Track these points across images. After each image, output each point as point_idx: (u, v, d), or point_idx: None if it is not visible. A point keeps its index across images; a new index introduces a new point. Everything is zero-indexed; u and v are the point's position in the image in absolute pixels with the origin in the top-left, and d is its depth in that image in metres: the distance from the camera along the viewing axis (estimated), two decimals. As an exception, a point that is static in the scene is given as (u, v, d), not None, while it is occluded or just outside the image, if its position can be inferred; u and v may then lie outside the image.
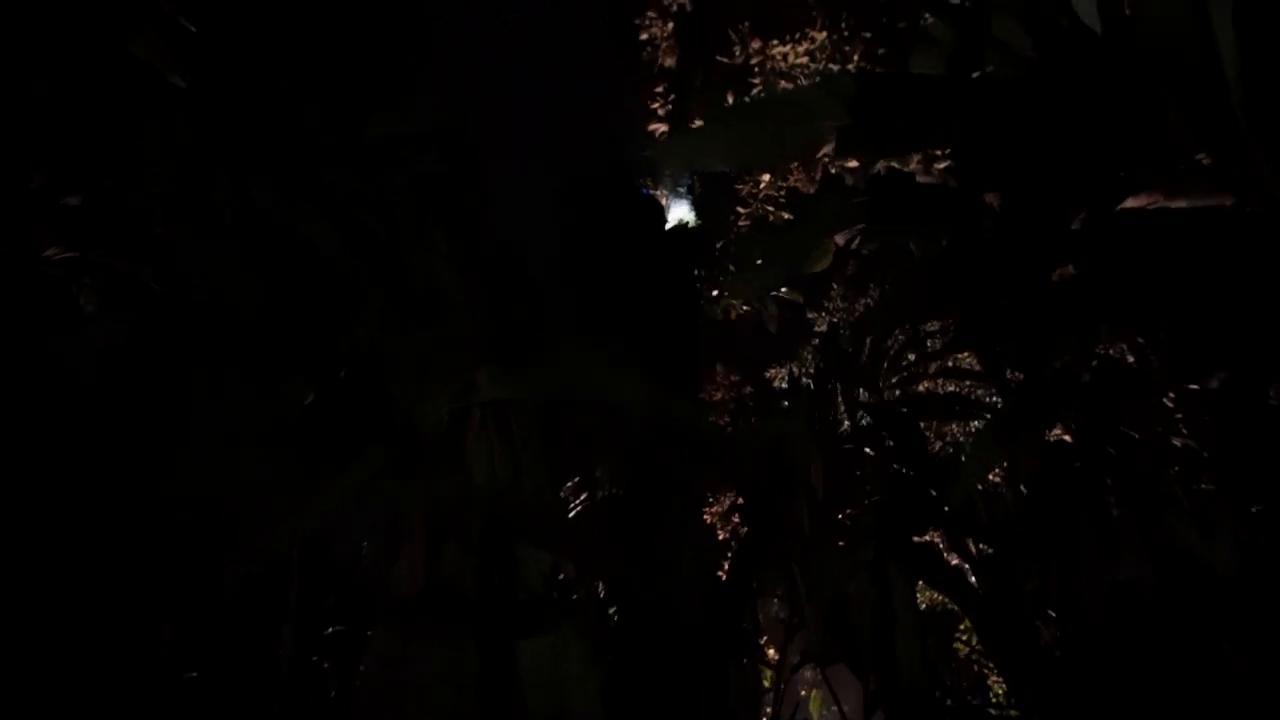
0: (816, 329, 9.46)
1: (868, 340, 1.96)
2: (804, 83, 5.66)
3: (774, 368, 9.41)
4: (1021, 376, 1.66)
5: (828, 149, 1.18)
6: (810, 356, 8.78)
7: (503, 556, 1.11)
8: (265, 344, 1.33)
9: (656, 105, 6.35)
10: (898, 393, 1.81)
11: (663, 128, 6.14)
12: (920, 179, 1.22)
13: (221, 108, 2.32)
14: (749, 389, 10.98)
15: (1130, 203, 1.34)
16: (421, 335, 1.70)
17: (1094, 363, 1.49)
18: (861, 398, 2.14)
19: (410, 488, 1.23)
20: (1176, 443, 1.59)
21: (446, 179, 2.45)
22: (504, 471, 1.28)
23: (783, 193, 6.29)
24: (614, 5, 6.94)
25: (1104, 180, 1.32)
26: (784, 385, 8.97)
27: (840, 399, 2.18)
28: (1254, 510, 1.42)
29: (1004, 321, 1.39)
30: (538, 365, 1.80)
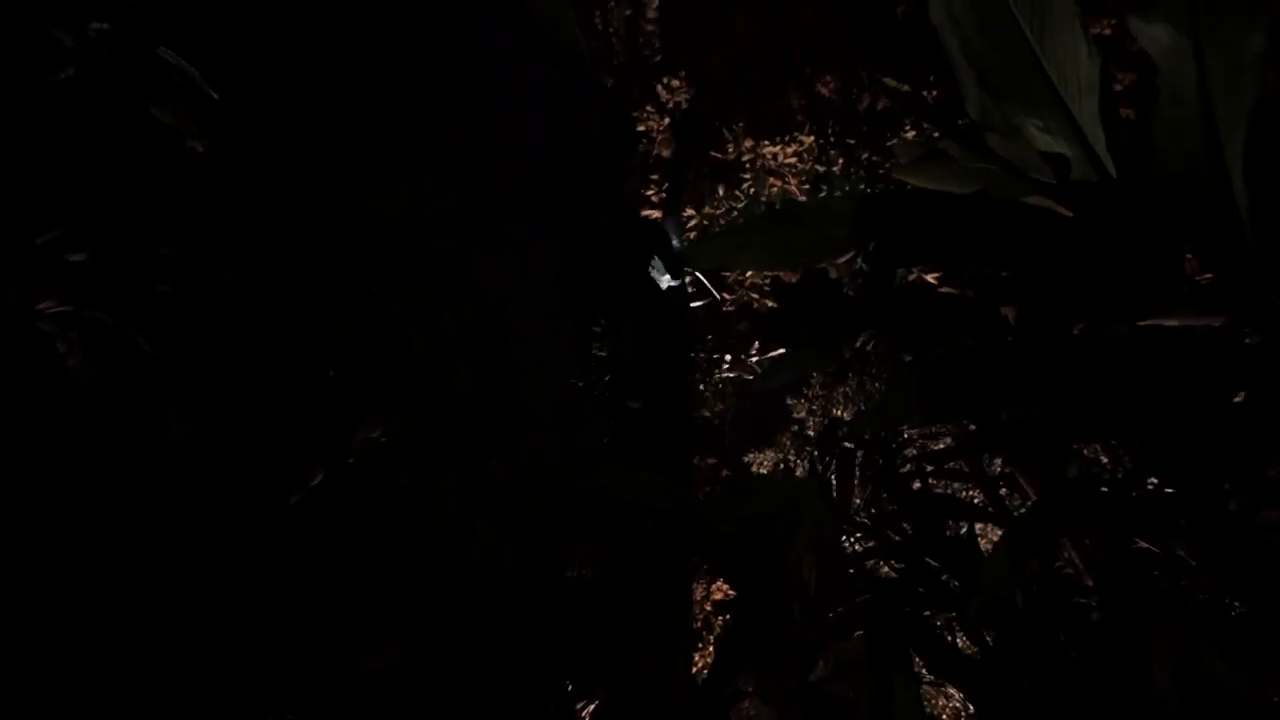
0: (795, 415, 9.53)
1: (868, 435, 1.96)
2: (792, 181, 5.96)
3: (753, 453, 9.38)
4: (1034, 487, 1.66)
5: (850, 256, 1.21)
6: (789, 444, 8.80)
7: (509, 662, 1.04)
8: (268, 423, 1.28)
9: (650, 192, 6.60)
10: (915, 484, 1.80)
11: (656, 214, 6.37)
12: (941, 290, 1.26)
13: (234, 176, 2.34)
14: (725, 473, 10.90)
15: (1136, 320, 1.39)
16: (428, 422, 1.66)
17: (1108, 477, 1.51)
18: (859, 496, 2.11)
19: (411, 586, 1.17)
20: (1184, 555, 1.59)
21: (454, 253, 2.46)
22: (511, 559, 1.22)
23: (768, 281, 6.48)
24: (614, 98, 7.31)
25: (1111, 299, 1.37)
26: (763, 471, 8.91)
27: (836, 491, 2.14)
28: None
29: (1022, 429, 1.40)
30: (537, 458, 1.76)
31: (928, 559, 1.54)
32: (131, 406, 2.23)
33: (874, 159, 6.10)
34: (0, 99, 1.90)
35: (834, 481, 2.21)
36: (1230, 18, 0.94)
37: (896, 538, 1.71)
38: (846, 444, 2.08)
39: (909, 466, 1.99)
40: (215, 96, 2.21)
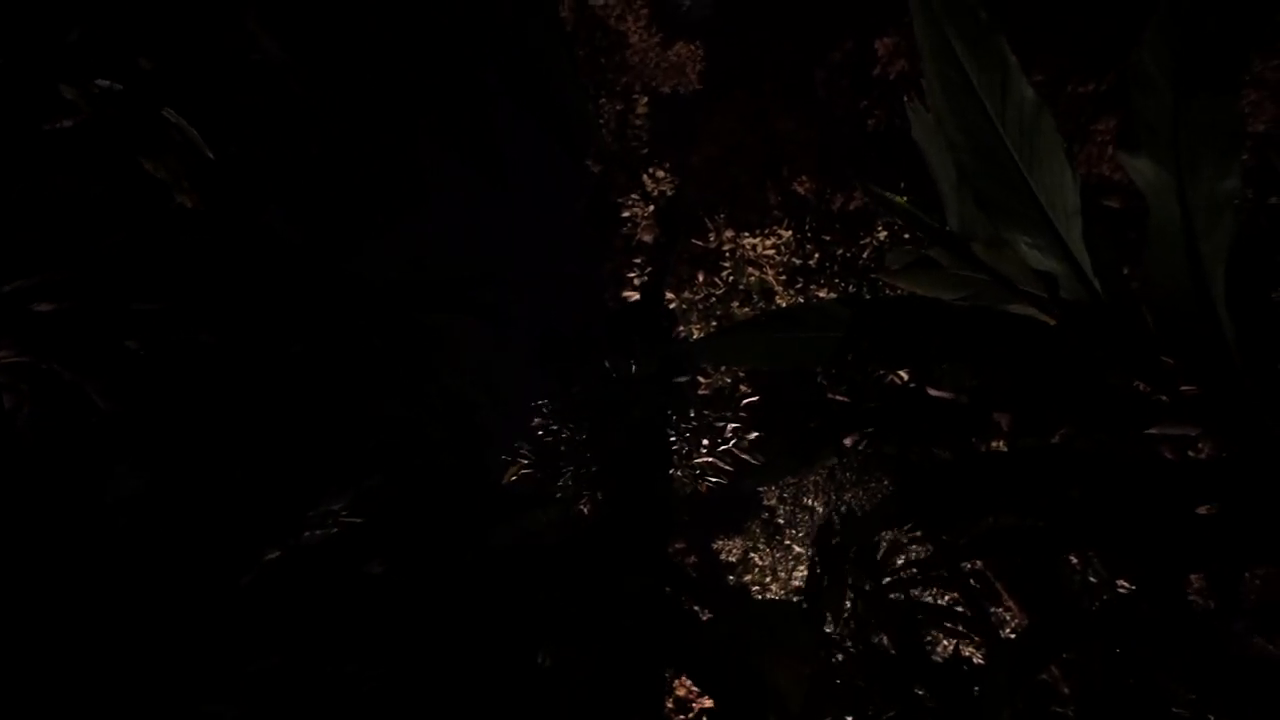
0: (765, 502, 9.43)
1: (860, 541, 1.92)
2: (770, 272, 6.15)
3: (721, 539, 9.19)
4: (1008, 591, 1.63)
5: (852, 357, 1.22)
6: (758, 531, 8.65)
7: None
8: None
9: (632, 275, 6.74)
10: (894, 596, 1.75)
11: (635, 296, 6.49)
12: (932, 393, 1.27)
13: (221, 233, 2.31)
14: (693, 559, 10.61)
15: (1120, 427, 1.41)
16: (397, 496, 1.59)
17: (1080, 583, 1.49)
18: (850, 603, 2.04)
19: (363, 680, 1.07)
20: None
21: (441, 326, 2.44)
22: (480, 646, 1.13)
23: (744, 369, 6.55)
24: (600, 183, 7.58)
25: (1096, 406, 1.40)
26: (732, 559, 8.71)
27: (826, 601, 2.05)
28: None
29: (1002, 537, 1.38)
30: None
31: (914, 686, 1.48)
32: (74, 465, 2.10)
33: (848, 255, 6.36)
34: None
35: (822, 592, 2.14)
36: (1207, 160, 1.01)
37: (878, 650, 1.64)
38: (834, 545, 2.03)
39: (891, 576, 1.94)
40: (211, 156, 2.22)
